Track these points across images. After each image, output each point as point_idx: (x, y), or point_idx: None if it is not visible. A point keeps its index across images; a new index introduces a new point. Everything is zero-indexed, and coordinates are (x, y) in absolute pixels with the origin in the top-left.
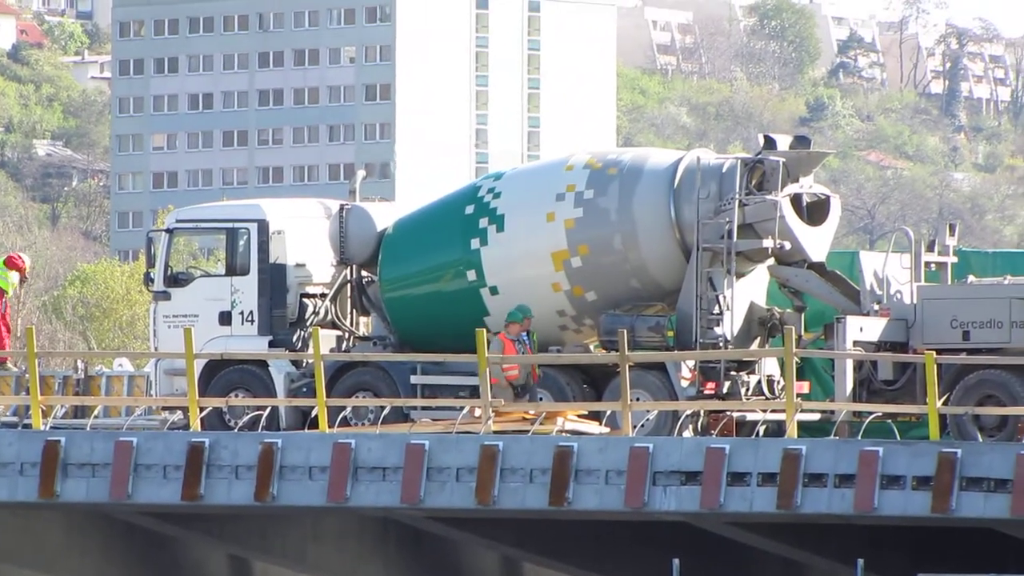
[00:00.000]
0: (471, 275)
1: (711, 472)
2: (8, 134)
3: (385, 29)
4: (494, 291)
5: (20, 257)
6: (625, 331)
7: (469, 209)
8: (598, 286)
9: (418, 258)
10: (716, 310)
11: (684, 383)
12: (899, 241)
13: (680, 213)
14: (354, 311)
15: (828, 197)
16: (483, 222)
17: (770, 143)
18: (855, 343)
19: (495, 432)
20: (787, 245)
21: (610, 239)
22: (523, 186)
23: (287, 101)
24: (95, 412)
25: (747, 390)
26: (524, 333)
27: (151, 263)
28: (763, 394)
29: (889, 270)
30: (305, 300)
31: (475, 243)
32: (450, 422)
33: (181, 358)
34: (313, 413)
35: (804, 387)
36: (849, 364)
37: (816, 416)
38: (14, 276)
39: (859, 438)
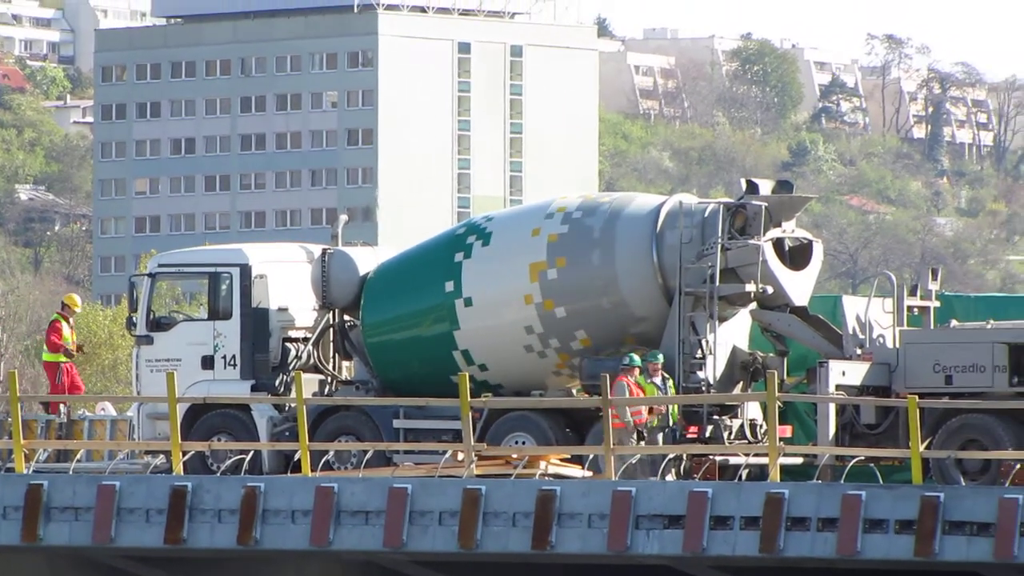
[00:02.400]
0: (449, 286)
1: (694, 516)
2: None
3: (367, 74)
4: (468, 303)
5: (58, 331)
6: (608, 375)
7: (460, 231)
8: (569, 301)
9: (400, 303)
10: (699, 354)
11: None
12: (882, 285)
13: (662, 256)
14: (336, 355)
15: (810, 241)
16: (471, 239)
17: (752, 188)
18: (838, 387)
19: (478, 476)
20: (770, 289)
21: (589, 253)
22: (517, 213)
23: (269, 146)
24: (78, 456)
25: (730, 434)
26: (660, 378)
27: (134, 307)
28: (746, 438)
29: (872, 314)
30: (287, 344)
31: (459, 256)
32: (433, 466)
33: (164, 402)
34: (296, 457)
35: (787, 431)
36: (831, 408)
37: (799, 460)
38: (61, 353)
39: (842, 482)
